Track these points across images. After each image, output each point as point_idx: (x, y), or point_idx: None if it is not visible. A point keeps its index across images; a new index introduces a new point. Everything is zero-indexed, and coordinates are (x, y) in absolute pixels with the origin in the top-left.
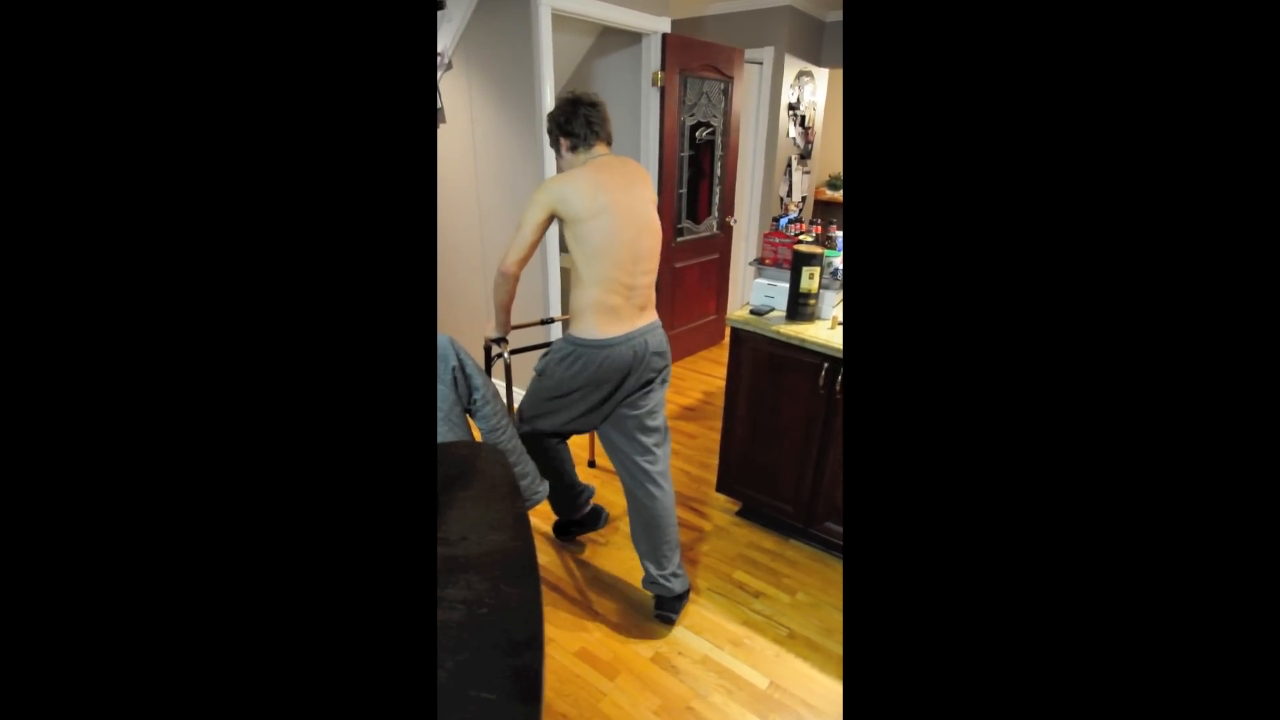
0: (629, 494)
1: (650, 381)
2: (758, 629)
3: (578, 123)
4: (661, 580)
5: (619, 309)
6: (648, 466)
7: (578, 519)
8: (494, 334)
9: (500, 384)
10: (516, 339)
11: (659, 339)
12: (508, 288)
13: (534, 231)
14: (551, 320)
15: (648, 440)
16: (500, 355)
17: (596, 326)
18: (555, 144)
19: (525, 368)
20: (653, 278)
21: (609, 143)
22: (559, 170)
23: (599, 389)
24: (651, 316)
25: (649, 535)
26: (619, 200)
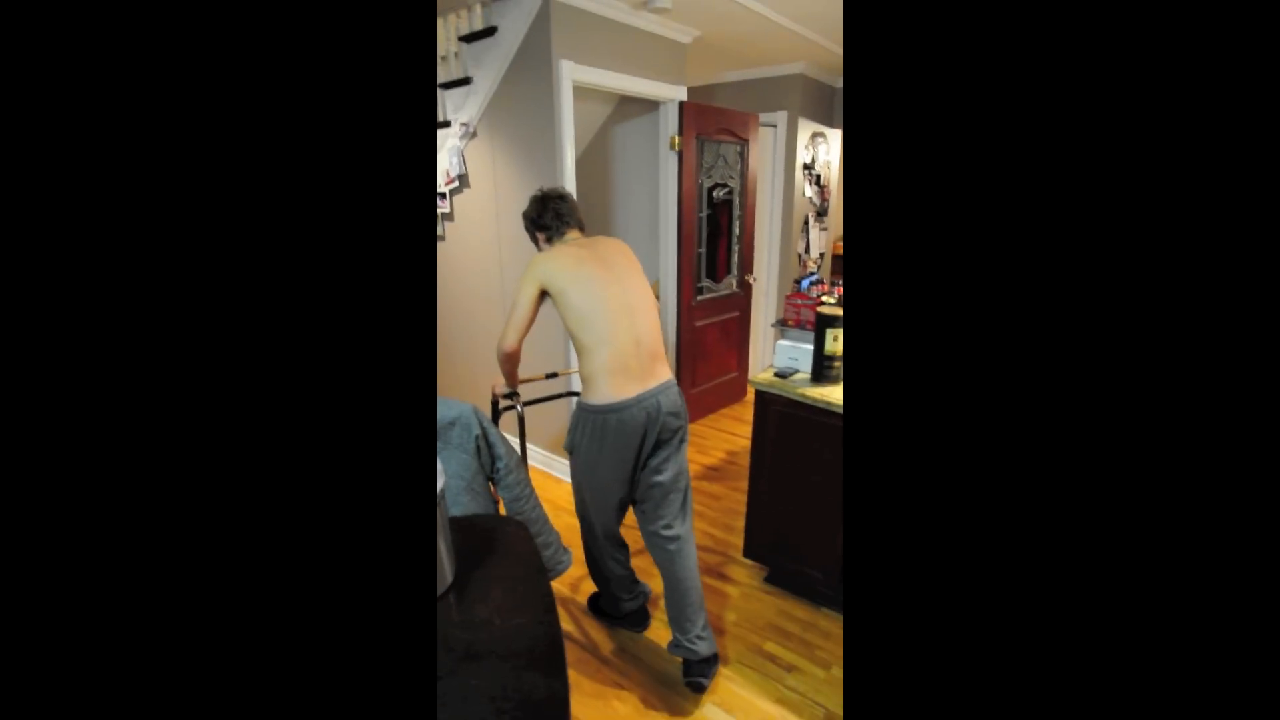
0: (653, 556)
1: (667, 442)
2: (792, 708)
3: (549, 215)
4: (686, 644)
5: (629, 367)
6: (666, 531)
7: (619, 615)
8: (504, 390)
9: (514, 439)
10: (527, 392)
11: (672, 399)
12: (511, 363)
13: (528, 306)
14: (555, 375)
15: (668, 503)
16: (511, 408)
17: (608, 389)
18: (533, 238)
19: (537, 420)
20: (656, 328)
21: (581, 228)
22: None
23: (621, 454)
24: (665, 375)
25: (672, 598)
26: (600, 262)
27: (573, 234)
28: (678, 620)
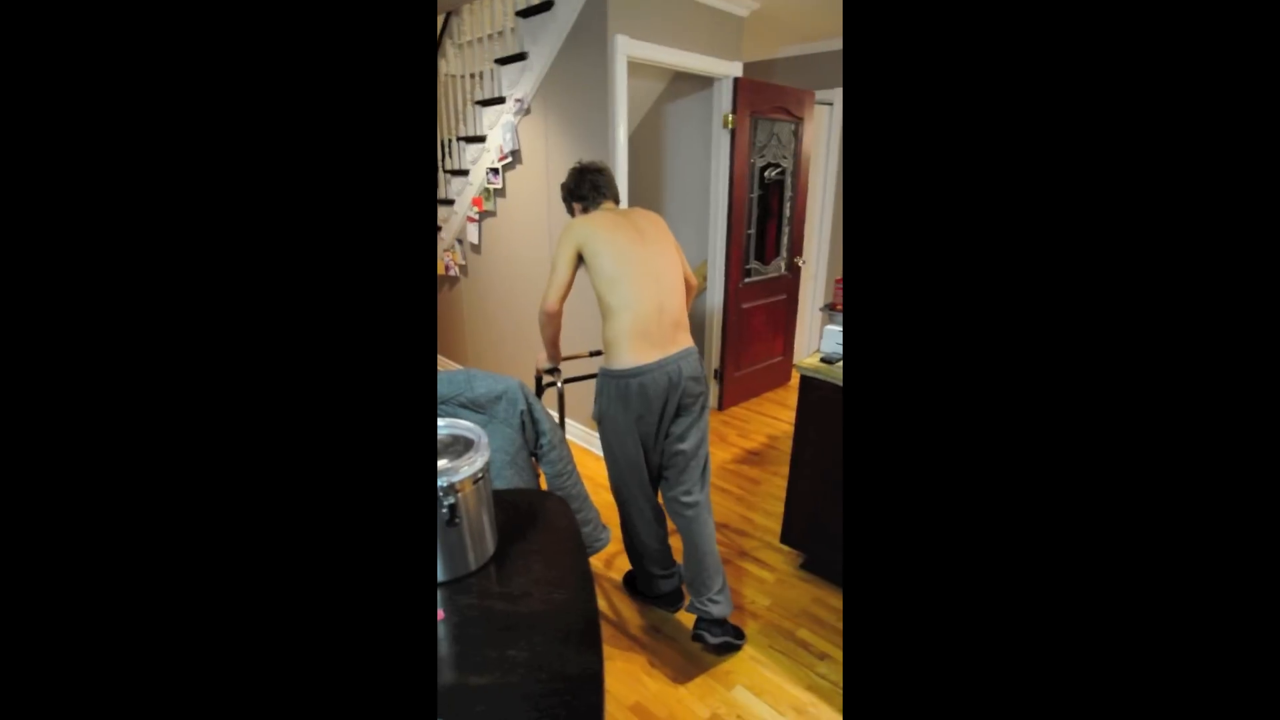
0: (672, 521)
1: (689, 408)
2: (823, 696)
3: (585, 187)
4: (698, 604)
5: (651, 332)
6: (686, 498)
7: (655, 595)
8: (546, 365)
9: (554, 413)
10: (569, 370)
11: (693, 365)
12: (553, 325)
13: (567, 268)
14: (599, 353)
15: (689, 471)
16: (553, 384)
17: (630, 354)
18: (570, 209)
19: (577, 397)
20: (680, 297)
21: (616, 200)
22: None
23: (646, 420)
24: (686, 342)
25: (689, 562)
26: (633, 228)
27: (608, 206)
28: (694, 583)
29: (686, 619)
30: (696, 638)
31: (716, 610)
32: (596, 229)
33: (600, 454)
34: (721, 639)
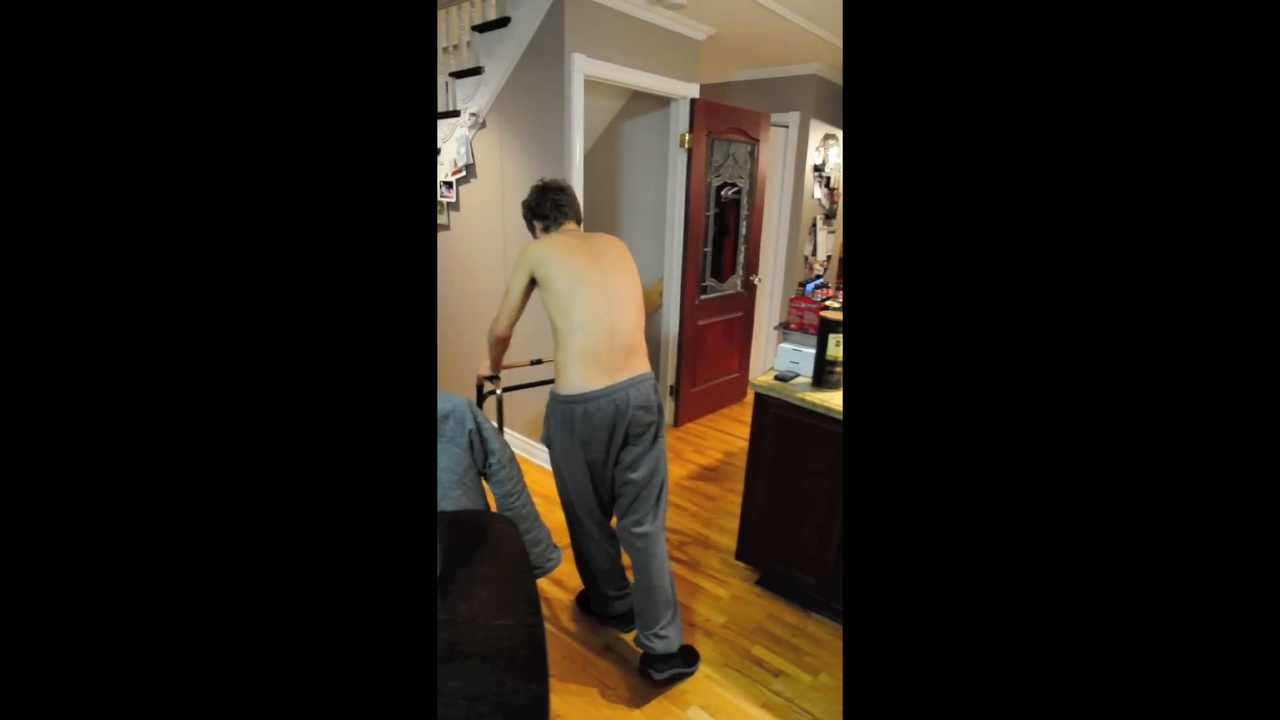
0: (624, 549)
1: (639, 437)
2: (778, 713)
3: (547, 205)
4: (644, 639)
5: (600, 357)
6: (636, 529)
7: (608, 616)
8: (487, 372)
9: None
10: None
11: (644, 393)
12: (500, 347)
13: (519, 294)
14: (540, 361)
15: (641, 500)
16: (493, 393)
17: (579, 379)
18: (530, 227)
19: (517, 406)
20: (636, 322)
21: (578, 220)
22: None
23: (591, 447)
24: (641, 368)
25: (638, 592)
26: (589, 251)
27: (570, 226)
28: (642, 614)
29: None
30: (643, 673)
31: (661, 646)
32: (551, 252)
33: (540, 464)
34: (668, 673)
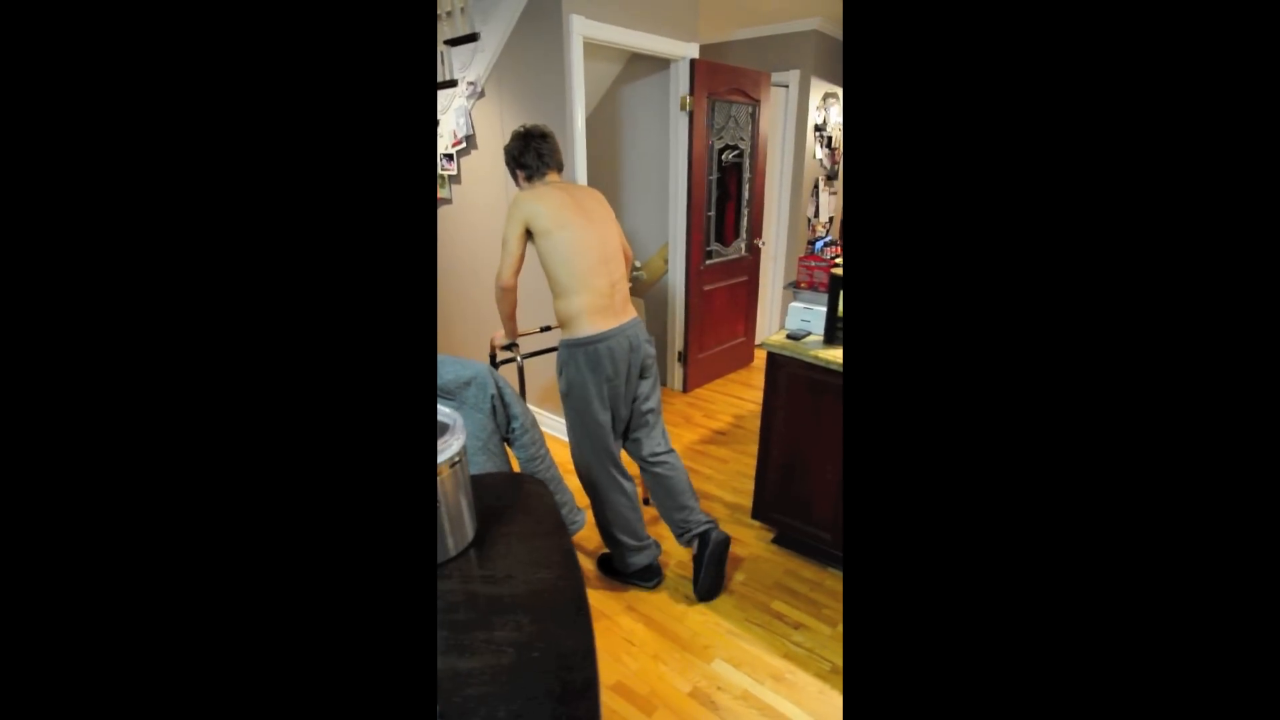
0: (651, 488)
1: (649, 369)
2: (799, 663)
3: (530, 155)
4: (694, 527)
5: (606, 307)
6: (659, 454)
7: (630, 571)
8: (503, 341)
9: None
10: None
11: (643, 331)
12: (509, 299)
13: (518, 244)
14: (550, 328)
15: (657, 428)
16: (512, 359)
17: (590, 325)
18: (513, 175)
19: (537, 373)
20: (625, 270)
21: (560, 170)
22: None
23: (611, 383)
24: (634, 313)
25: (675, 503)
26: (579, 209)
27: (552, 176)
28: (689, 515)
29: (663, 596)
30: (711, 549)
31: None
32: (545, 208)
33: (562, 437)
34: (723, 538)
